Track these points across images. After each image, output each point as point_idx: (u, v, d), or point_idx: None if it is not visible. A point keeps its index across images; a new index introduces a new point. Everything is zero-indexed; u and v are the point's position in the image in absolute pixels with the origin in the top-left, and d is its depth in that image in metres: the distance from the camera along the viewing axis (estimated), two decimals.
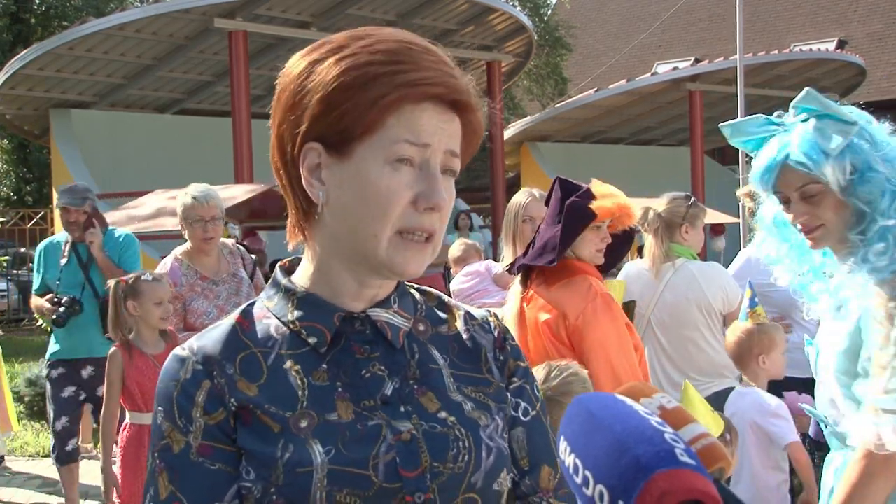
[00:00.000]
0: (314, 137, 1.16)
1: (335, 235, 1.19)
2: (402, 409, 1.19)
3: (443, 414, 1.20)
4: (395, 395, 1.19)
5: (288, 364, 1.19)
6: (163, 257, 14.52)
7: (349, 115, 1.13)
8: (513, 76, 19.53)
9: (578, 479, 0.78)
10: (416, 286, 1.35)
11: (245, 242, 11.54)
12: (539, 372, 2.53)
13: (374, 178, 1.14)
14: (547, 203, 3.22)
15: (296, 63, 1.19)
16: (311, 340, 1.20)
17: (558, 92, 26.04)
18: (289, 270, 1.29)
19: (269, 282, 1.28)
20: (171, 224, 10.46)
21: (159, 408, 1.18)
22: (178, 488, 1.15)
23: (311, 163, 1.17)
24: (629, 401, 0.81)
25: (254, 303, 1.27)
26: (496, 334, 1.32)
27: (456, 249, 6.10)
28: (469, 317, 1.33)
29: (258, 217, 12.57)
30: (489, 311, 1.37)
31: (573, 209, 2.99)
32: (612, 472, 0.76)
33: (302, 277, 1.25)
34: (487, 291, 5.53)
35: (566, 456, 0.79)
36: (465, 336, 1.30)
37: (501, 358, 1.31)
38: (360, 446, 1.15)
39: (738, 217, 10.89)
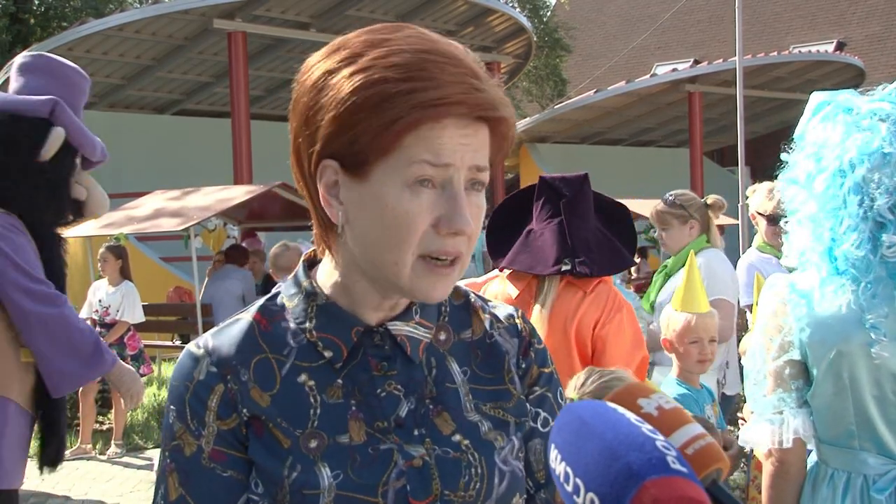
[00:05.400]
0: (329, 155, 1.10)
1: (356, 258, 1.14)
2: (415, 432, 1.15)
3: (457, 437, 1.16)
4: (410, 417, 1.16)
5: (302, 378, 1.15)
6: (163, 259, 14.38)
7: (363, 137, 1.06)
8: (512, 77, 19.54)
9: (569, 488, 0.77)
10: None
11: (244, 243, 11.57)
12: (580, 377, 2.44)
13: (393, 203, 1.07)
14: (537, 200, 2.97)
15: (310, 70, 1.12)
16: (327, 354, 1.16)
17: (557, 93, 26.04)
18: (311, 263, 1.23)
19: (292, 276, 1.22)
20: (169, 225, 10.46)
21: (171, 406, 1.16)
22: (188, 492, 1.14)
23: (328, 181, 1.11)
24: (620, 408, 0.81)
25: (274, 297, 1.21)
26: (522, 337, 1.27)
27: None
28: (495, 319, 1.27)
29: (257, 218, 12.58)
30: (516, 311, 1.30)
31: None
32: (603, 479, 0.75)
33: (324, 282, 1.19)
34: None
35: (556, 464, 0.79)
36: (488, 341, 1.25)
37: (524, 365, 1.26)
38: (370, 471, 1.12)
39: (738, 219, 10.89)
